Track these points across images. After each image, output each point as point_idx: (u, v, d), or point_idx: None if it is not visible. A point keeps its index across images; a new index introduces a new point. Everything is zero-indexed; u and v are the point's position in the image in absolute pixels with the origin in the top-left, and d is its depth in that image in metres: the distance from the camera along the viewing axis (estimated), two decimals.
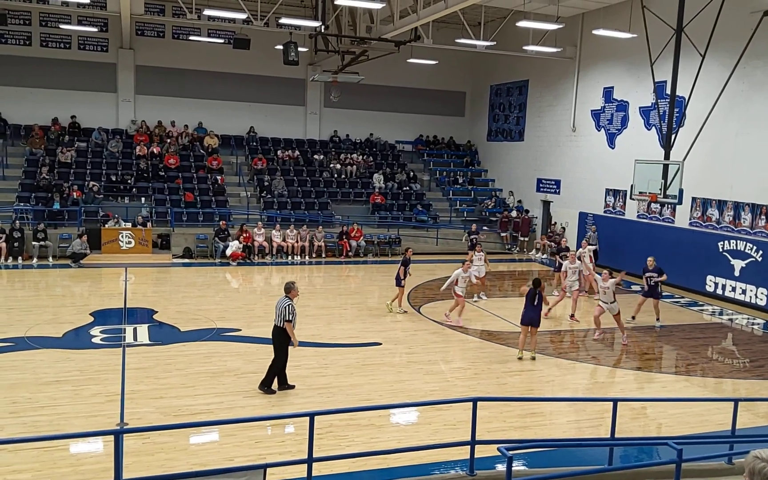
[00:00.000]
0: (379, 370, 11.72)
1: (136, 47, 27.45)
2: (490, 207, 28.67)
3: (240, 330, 13.88)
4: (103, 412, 9.35)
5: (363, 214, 26.53)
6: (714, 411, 10.29)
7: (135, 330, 13.55)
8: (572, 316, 16.17)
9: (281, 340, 10.12)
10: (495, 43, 23.33)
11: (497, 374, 11.94)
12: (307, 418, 6.86)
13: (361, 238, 24.28)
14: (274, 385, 10.27)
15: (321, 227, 24.15)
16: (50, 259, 20.66)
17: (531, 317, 12.68)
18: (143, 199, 24.32)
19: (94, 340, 12.74)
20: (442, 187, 30.06)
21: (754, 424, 9.98)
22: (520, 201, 28.42)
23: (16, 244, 20.23)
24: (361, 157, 29.52)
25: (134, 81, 27.64)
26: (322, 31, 21.76)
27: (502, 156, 30.53)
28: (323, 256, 23.51)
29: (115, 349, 12.22)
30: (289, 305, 9.98)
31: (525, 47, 23.30)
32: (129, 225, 22.30)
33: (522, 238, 26.78)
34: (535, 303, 12.69)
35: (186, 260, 21.93)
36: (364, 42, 22.59)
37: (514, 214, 27.46)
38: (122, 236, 21.80)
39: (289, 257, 23.09)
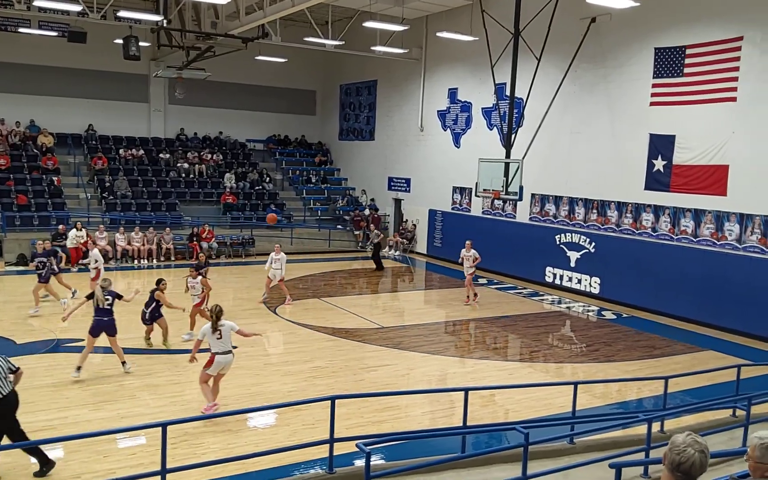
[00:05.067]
0: (235, 374, 11.41)
1: None
2: (342, 206, 28.98)
3: (83, 340, 12.92)
4: None
5: (214, 215, 25.79)
6: (556, 394, 11.00)
7: None
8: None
9: (15, 406, 7.51)
10: (343, 42, 23.61)
11: (354, 371, 12.13)
12: (160, 429, 6.59)
13: (213, 239, 23.57)
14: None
15: (169, 229, 23.13)
16: None
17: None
18: None
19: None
20: (296, 186, 29.96)
21: (591, 405, 10.82)
22: (372, 199, 28.99)
23: None
24: (210, 155, 28.64)
25: None
26: (165, 25, 20.82)
27: (353, 155, 30.98)
28: (172, 259, 22.56)
29: None
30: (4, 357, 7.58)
31: (372, 48, 23.78)
32: None
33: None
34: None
35: (21, 268, 20.15)
36: (210, 37, 21.93)
37: (366, 212, 27.96)
38: None
39: (135, 261, 21.95)
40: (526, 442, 6.92)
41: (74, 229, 20.64)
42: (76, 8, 19.01)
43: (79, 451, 8.10)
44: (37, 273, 15.29)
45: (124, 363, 11.10)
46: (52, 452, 8.17)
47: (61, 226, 21.19)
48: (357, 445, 6.51)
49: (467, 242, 18.36)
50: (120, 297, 11.22)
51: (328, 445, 7.50)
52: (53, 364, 11.51)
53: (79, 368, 10.77)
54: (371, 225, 24.40)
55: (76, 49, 23.61)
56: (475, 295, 18.01)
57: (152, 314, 12.45)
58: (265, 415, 9.82)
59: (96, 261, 16.72)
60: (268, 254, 17.54)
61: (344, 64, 30.18)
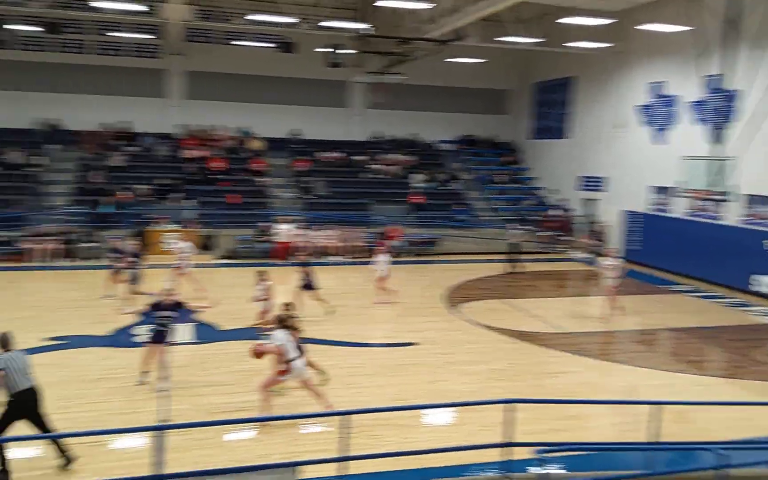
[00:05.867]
0: (415, 371, 11.73)
1: (186, 53, 28.04)
2: (530, 206, 28.34)
3: None
4: (145, 409, 9.68)
5: (403, 214, 26.55)
6: (762, 415, 9.95)
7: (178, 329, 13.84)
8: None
9: (37, 401, 7.87)
10: (539, 39, 23.04)
11: (535, 375, 11.84)
12: (341, 417, 6.94)
13: (401, 238, 24.29)
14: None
15: (360, 228, 24.29)
16: (99, 259, 21.34)
17: None
18: (190, 201, 24.90)
19: (138, 338, 13.07)
20: (483, 186, 29.85)
21: None
22: (563, 200, 28.00)
23: (67, 245, 20.93)
24: (403, 157, 29.58)
25: (183, 86, 28.30)
26: (366, 33, 21.85)
27: (544, 154, 30.15)
28: (362, 256, 23.66)
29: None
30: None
31: (570, 43, 22.93)
32: (176, 227, 22.86)
33: (564, 237, 26.36)
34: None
35: (229, 261, 22.34)
36: (408, 42, 22.59)
37: (556, 212, 27.09)
38: (169, 237, 22.30)
39: (329, 257, 23.33)
40: (723, 465, 6.38)
41: (281, 224, 22.49)
42: (287, 20, 20.70)
43: (270, 432, 8.85)
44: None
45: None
46: (245, 432, 9.01)
47: (266, 224, 23.19)
48: (535, 452, 6.37)
49: (609, 250, 16.86)
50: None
51: (504, 448, 7.42)
52: None
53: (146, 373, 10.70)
54: (511, 224, 23.40)
55: (285, 59, 25.72)
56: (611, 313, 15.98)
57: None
58: (442, 413, 9.93)
59: (182, 253, 17.10)
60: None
61: (539, 61, 29.50)
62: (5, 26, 21.63)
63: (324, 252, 23.42)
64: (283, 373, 9.28)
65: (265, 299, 13.07)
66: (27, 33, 25.54)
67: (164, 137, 27.65)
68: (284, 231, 22.50)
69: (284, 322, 9.37)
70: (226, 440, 8.72)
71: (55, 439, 7.85)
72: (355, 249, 23.70)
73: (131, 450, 8.45)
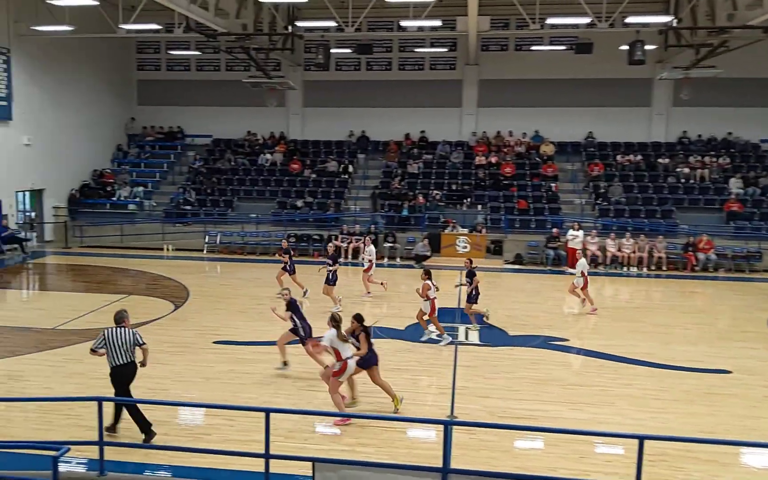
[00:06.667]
0: (727, 402, 10.22)
1: (480, 62, 28.75)
2: None
3: (567, 340, 13.49)
4: (436, 403, 10.03)
5: (715, 224, 23.66)
6: None
7: (467, 330, 14.11)
8: None
9: (130, 377, 8.44)
10: None
11: None
12: (636, 441, 6.33)
13: (711, 250, 21.66)
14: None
15: (662, 237, 22.25)
16: (398, 259, 23.01)
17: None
18: (480, 206, 25.41)
19: (431, 335, 13.54)
20: None
21: None
22: None
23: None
24: (715, 159, 26.41)
25: (477, 95, 29.02)
26: (675, 25, 20.04)
27: None
28: (664, 268, 21.62)
29: (448, 346, 12.92)
30: (134, 332, 8.43)
31: None
32: (466, 231, 23.61)
33: None
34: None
35: (516, 266, 22.24)
36: (725, 31, 20.15)
37: None
38: (459, 241, 23.18)
39: (625, 268, 21.79)
40: None
41: (571, 230, 21.87)
42: (585, 20, 20.02)
43: (557, 445, 8.43)
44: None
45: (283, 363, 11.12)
46: (533, 441, 8.70)
47: (554, 230, 22.65)
48: None
49: None
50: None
51: None
52: (538, 359, 12.26)
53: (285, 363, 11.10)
54: None
55: (581, 60, 24.84)
56: None
57: None
58: (762, 453, 8.49)
59: (370, 254, 17.40)
60: None
61: None
62: (330, 50, 24.47)
63: (620, 262, 22.01)
64: (338, 373, 9.15)
65: (426, 298, 13.09)
66: (343, 55, 28.66)
67: (458, 145, 28.68)
68: (577, 238, 21.68)
69: (336, 321, 9.24)
70: (513, 446, 8.54)
71: (139, 413, 8.36)
72: (655, 260, 21.81)
73: (422, 441, 8.77)
